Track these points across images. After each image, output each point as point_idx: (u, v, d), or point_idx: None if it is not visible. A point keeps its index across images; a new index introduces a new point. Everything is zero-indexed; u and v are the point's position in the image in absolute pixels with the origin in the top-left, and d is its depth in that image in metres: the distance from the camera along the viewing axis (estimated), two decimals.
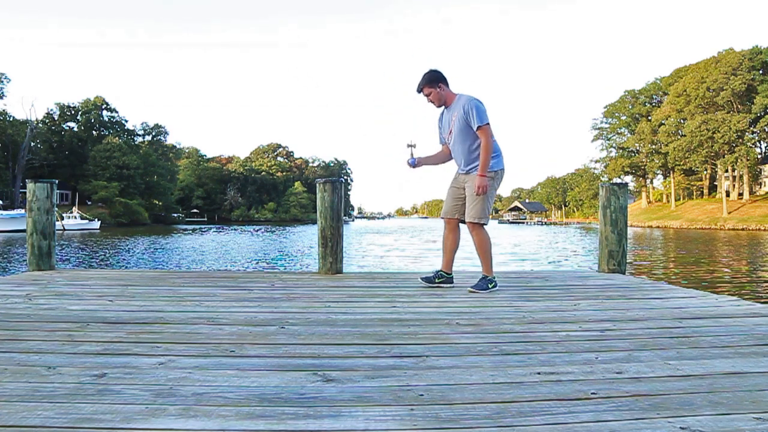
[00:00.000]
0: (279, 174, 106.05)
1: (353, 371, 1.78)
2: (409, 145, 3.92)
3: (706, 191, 69.15)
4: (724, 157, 58.79)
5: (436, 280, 3.94)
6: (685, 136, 61.76)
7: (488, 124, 3.61)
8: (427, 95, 3.76)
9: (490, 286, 3.71)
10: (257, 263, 16.30)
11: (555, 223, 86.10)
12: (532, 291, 3.78)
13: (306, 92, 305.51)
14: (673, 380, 1.70)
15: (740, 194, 61.47)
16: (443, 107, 3.86)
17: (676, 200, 70.72)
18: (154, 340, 2.19)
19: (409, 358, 1.95)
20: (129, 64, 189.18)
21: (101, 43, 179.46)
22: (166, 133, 79.95)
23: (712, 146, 58.78)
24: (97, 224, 46.33)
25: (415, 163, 3.94)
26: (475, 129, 3.62)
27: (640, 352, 2.06)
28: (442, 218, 4.01)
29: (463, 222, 3.88)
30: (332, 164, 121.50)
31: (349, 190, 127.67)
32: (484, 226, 3.75)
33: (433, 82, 3.71)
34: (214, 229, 48.08)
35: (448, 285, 3.92)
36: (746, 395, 1.56)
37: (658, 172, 76.73)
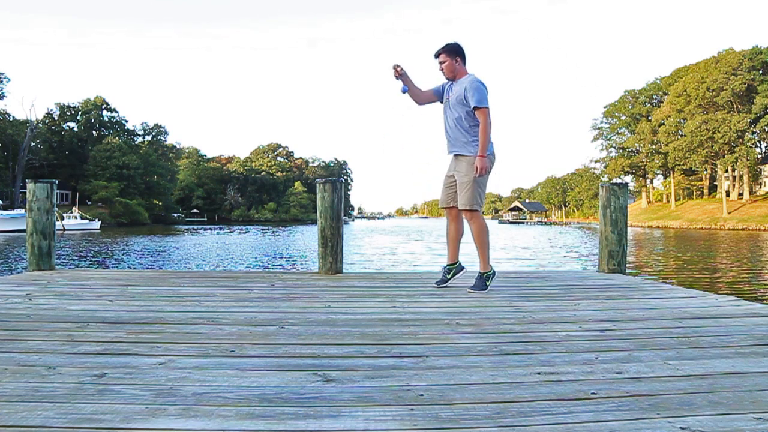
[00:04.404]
0: (279, 174, 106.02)
1: (353, 371, 1.78)
2: (399, 73, 3.82)
3: (706, 191, 69.12)
4: (724, 157, 58.75)
5: (448, 276, 3.94)
6: (685, 136, 61.72)
7: (488, 107, 3.60)
8: (442, 62, 3.75)
9: (488, 283, 3.71)
10: (257, 263, 16.29)
11: (555, 223, 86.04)
12: (532, 291, 3.78)
13: (306, 92, 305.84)
14: (673, 380, 1.70)
15: (740, 194, 61.44)
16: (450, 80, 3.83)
17: (676, 200, 70.70)
18: (154, 340, 2.19)
19: (409, 358, 1.95)
20: (129, 64, 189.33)
21: (101, 43, 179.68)
22: (166, 133, 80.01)
23: (712, 146, 58.75)
24: (97, 224, 46.31)
25: (406, 90, 3.85)
26: (472, 107, 3.60)
27: (640, 352, 2.05)
28: (441, 208, 4.00)
29: (456, 214, 3.89)
30: (332, 164, 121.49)
31: (349, 190, 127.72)
32: (480, 213, 3.74)
33: (453, 53, 3.72)
34: (214, 230, 48.06)
35: (461, 273, 3.94)
36: (746, 395, 1.56)
37: (658, 172, 76.69)
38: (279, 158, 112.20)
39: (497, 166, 3.89)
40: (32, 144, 60.16)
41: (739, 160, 57.42)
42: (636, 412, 1.42)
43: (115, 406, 1.42)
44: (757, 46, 60.33)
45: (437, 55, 3.77)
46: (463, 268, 3.98)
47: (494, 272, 3.81)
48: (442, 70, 3.79)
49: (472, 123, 3.67)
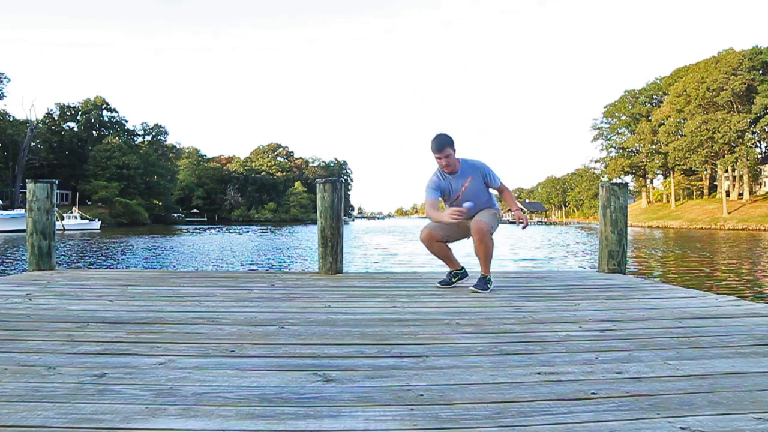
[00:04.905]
0: (279, 174, 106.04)
1: (353, 371, 1.78)
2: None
3: (706, 191, 69.12)
4: (724, 157, 58.75)
5: (453, 280, 3.99)
6: (685, 136, 61.72)
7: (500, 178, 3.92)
8: (446, 156, 3.66)
9: (489, 286, 3.73)
10: (257, 263, 16.29)
11: (555, 223, 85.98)
12: (532, 291, 3.78)
13: (306, 92, 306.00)
14: (674, 380, 1.70)
15: (740, 194, 61.43)
16: (441, 174, 3.81)
17: (676, 200, 70.69)
18: (154, 340, 2.19)
19: (409, 358, 1.95)
20: (129, 64, 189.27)
21: (101, 43, 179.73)
22: (166, 133, 79.98)
23: (712, 146, 58.75)
24: (97, 224, 46.32)
25: None
26: (497, 186, 3.90)
27: (640, 352, 2.05)
28: (432, 233, 3.87)
29: (443, 241, 3.92)
30: (332, 164, 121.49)
31: (349, 190, 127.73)
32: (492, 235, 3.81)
33: (453, 145, 3.70)
34: (214, 230, 48.06)
35: (466, 279, 4.03)
36: (746, 395, 1.56)
37: (658, 172, 76.69)
38: (279, 158, 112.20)
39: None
40: (32, 144, 60.17)
41: (739, 160, 57.42)
42: (636, 412, 1.42)
43: (115, 406, 1.43)
44: (757, 46, 60.32)
45: (441, 149, 3.63)
46: (467, 274, 4.05)
47: (491, 280, 3.84)
48: (446, 165, 3.69)
49: (486, 197, 3.91)
